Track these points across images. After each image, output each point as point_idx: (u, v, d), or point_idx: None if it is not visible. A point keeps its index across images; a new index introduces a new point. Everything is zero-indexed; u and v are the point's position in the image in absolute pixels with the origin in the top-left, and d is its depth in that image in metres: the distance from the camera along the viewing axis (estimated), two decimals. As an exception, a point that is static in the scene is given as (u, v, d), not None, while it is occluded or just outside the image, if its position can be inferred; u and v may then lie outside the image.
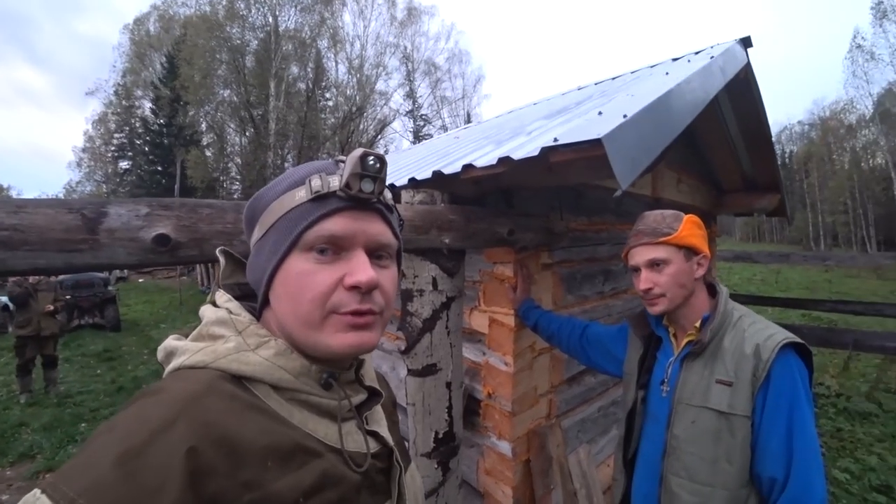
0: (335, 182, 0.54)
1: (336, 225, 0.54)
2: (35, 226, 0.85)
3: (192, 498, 0.40)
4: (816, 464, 1.04)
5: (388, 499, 0.62)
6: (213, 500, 0.42)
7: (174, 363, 0.53)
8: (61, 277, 8.31)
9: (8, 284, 5.75)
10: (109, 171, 30.87)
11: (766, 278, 17.10)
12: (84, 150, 31.75)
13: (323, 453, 0.53)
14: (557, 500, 2.12)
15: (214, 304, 0.60)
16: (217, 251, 0.67)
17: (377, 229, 0.57)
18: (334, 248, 0.55)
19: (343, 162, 0.57)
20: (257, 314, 0.61)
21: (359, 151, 0.54)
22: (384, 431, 0.66)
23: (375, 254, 0.58)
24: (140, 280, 21.78)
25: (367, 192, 0.55)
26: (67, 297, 7.67)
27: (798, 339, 1.11)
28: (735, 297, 6.87)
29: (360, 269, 0.54)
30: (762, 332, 1.13)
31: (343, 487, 0.53)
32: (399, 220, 0.65)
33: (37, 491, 0.38)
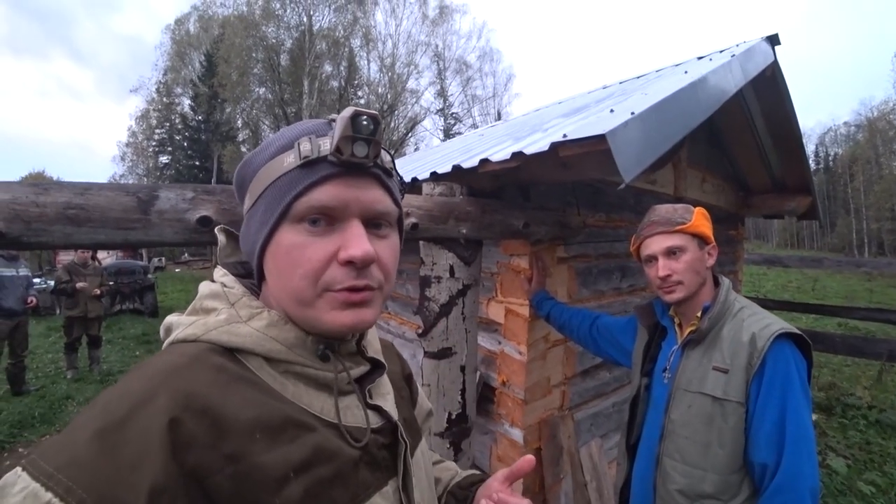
0: (326, 145, 0.50)
1: (327, 194, 0.50)
2: (98, 206, 0.97)
3: (174, 470, 0.39)
4: (808, 451, 1.07)
5: (392, 476, 0.58)
6: (194, 472, 0.41)
7: (169, 338, 0.53)
8: (105, 264, 8.79)
9: (58, 269, 6.15)
10: (150, 165, 32.11)
11: (801, 286, 16.45)
12: (127, 144, 33.14)
13: (316, 427, 0.51)
14: (567, 490, 2.18)
15: (212, 281, 0.59)
16: (216, 230, 0.65)
17: (373, 196, 0.53)
18: (327, 219, 0.51)
19: (336, 122, 0.52)
20: (257, 289, 0.60)
21: (349, 111, 0.50)
22: (388, 406, 0.62)
23: (373, 223, 0.54)
24: (177, 269, 22.67)
25: (360, 157, 0.50)
26: (111, 282, 8.09)
27: (796, 330, 1.14)
28: (766, 302, 6.70)
29: (355, 242, 0.50)
30: (759, 322, 1.17)
31: (338, 463, 0.51)
32: (401, 184, 0.61)
33: (18, 469, 0.38)
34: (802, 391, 1.11)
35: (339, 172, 0.51)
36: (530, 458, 0.66)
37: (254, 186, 0.55)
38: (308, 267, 0.50)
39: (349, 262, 0.51)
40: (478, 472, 0.81)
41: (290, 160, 0.51)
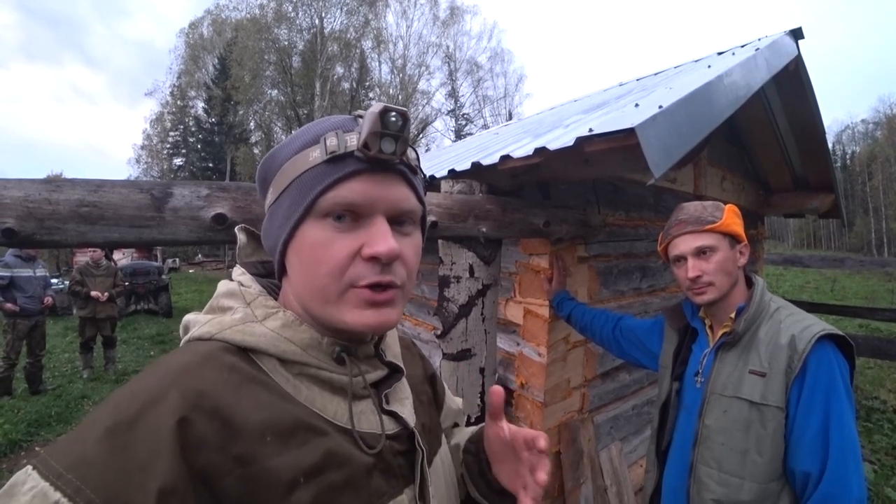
0: (353, 141, 0.49)
1: (353, 190, 0.49)
2: (111, 203, 0.95)
3: (183, 470, 0.39)
4: (854, 459, 1.01)
5: (408, 484, 0.56)
6: (203, 473, 0.40)
7: (186, 337, 0.53)
8: (121, 265, 8.88)
9: (73, 271, 6.23)
10: (165, 167, 32.54)
11: (820, 286, 16.11)
12: (142, 147, 33.57)
13: (328, 432, 0.50)
14: (587, 494, 2.12)
15: (230, 280, 0.58)
16: (236, 229, 0.64)
17: (399, 194, 0.52)
18: (352, 215, 0.50)
19: (363, 117, 0.51)
20: (278, 285, 0.59)
21: (378, 107, 0.48)
22: (406, 412, 0.61)
23: (397, 220, 0.53)
24: (190, 270, 22.90)
25: (387, 153, 0.49)
26: (126, 283, 8.17)
27: (838, 332, 1.08)
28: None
29: (380, 238, 0.49)
30: (799, 324, 1.12)
31: (350, 469, 0.50)
32: (424, 181, 0.60)
33: (28, 467, 0.38)
34: (847, 396, 1.05)
35: (366, 168, 0.50)
36: (497, 388, 0.64)
37: (278, 181, 0.54)
38: (333, 263, 0.50)
39: (373, 259, 0.50)
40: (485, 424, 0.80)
41: (315, 154, 0.51)
